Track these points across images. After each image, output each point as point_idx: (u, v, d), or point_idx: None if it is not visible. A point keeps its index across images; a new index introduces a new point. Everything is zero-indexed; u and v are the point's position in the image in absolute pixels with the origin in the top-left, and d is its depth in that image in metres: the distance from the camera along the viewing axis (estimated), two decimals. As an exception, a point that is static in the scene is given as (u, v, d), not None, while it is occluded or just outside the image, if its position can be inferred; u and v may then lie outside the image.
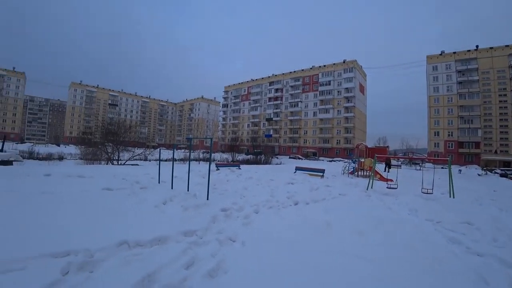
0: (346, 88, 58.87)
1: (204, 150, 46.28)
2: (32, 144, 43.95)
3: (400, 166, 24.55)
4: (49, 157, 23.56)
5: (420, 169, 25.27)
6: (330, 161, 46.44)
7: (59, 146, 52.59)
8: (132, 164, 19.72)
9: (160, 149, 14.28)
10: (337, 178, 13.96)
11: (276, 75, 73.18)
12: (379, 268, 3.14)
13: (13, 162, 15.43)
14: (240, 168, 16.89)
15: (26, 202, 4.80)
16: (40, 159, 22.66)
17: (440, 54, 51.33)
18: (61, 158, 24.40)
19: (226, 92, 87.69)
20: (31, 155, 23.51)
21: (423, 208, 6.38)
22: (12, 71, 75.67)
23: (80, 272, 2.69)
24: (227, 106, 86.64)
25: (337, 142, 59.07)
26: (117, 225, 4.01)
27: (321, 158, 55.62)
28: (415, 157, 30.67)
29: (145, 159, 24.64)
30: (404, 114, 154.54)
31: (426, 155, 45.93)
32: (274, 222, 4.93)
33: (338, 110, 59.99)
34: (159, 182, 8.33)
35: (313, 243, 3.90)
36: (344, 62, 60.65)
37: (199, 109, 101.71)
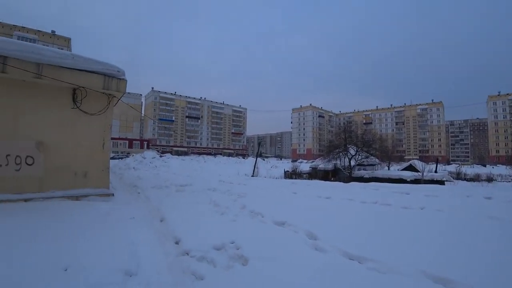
0: None
1: None
2: (458, 165, 45.23)
3: None
4: (476, 178, 23.43)
5: None
6: None
7: (485, 166, 51.96)
8: None
9: None
10: None
11: None
12: None
13: (445, 182, 17.24)
14: None
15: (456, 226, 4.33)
16: (467, 180, 23.24)
17: None
18: (490, 179, 22.82)
19: None
20: (458, 176, 25.06)
21: None
22: (431, 103, 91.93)
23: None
24: None
25: None
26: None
27: None
28: None
29: None
30: None
31: None
32: None
33: None
34: None
35: None
36: None
37: None
